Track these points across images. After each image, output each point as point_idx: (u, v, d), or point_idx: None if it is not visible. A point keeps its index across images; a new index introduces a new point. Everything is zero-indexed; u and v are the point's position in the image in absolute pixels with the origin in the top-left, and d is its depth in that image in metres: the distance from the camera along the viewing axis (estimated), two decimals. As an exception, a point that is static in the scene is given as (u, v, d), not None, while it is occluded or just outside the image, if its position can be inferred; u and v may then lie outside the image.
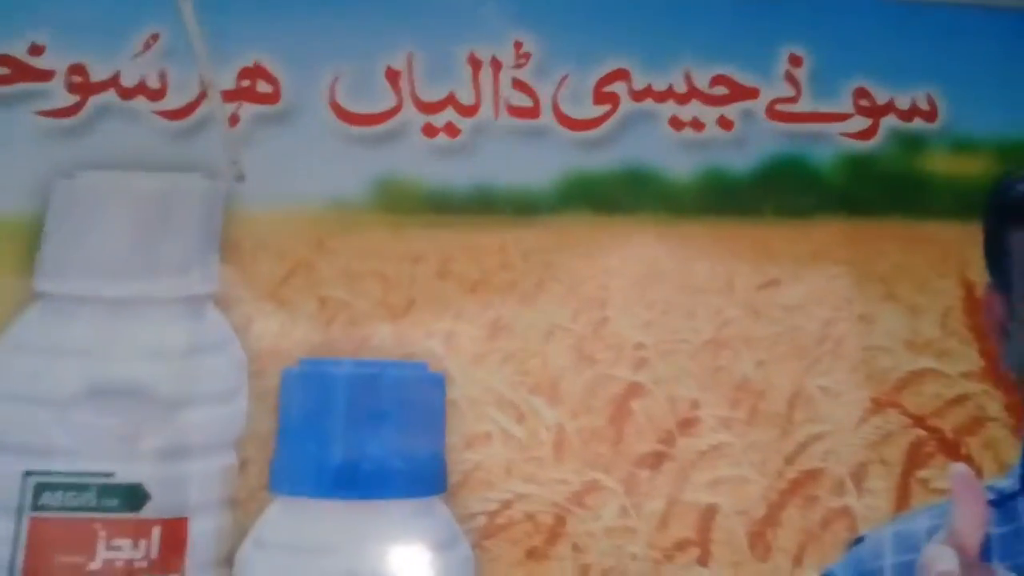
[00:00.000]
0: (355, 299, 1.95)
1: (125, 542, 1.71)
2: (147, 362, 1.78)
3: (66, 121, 2.02)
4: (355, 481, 1.81)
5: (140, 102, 2.02)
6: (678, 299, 2.02)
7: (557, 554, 1.82)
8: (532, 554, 1.83)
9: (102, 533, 1.70)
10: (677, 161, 2.11)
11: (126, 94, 2.03)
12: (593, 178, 2.12)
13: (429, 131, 2.06)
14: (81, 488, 1.72)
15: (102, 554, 1.70)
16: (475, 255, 2.00)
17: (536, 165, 2.09)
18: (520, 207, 2.07)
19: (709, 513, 1.89)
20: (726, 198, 2.14)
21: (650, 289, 2.04)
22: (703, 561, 1.88)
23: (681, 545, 1.88)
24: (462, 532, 1.80)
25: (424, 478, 1.85)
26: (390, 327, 1.94)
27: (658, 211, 2.10)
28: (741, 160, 2.13)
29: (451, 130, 2.06)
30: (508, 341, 1.95)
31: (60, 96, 2.01)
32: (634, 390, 1.95)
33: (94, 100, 2.02)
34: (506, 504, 1.86)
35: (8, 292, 1.82)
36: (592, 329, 1.98)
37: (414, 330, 1.94)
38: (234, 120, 1.98)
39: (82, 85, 2.04)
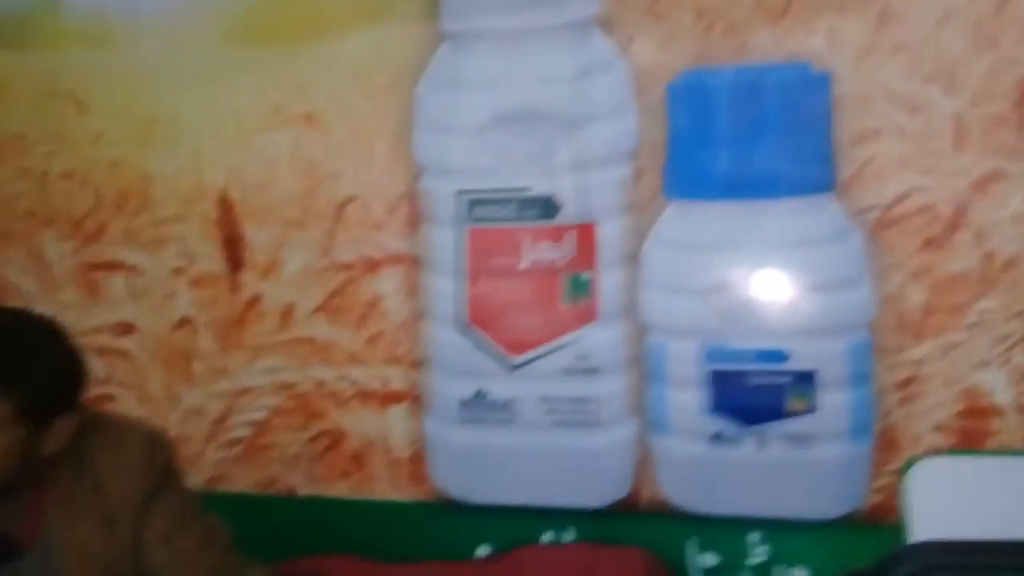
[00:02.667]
0: (731, 7, 1.89)
1: (545, 245, 1.93)
2: (544, 87, 1.92)
3: None
4: (743, 183, 1.86)
5: None
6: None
7: (957, 242, 1.76)
8: (930, 243, 1.78)
9: (526, 239, 1.94)
10: None
11: None
12: None
13: None
14: (504, 202, 1.95)
15: (528, 256, 1.94)
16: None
17: None
18: None
19: None
20: None
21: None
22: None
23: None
24: (854, 226, 1.80)
25: (811, 177, 1.85)
26: (769, 30, 1.88)
27: None
28: None
29: None
30: (898, 31, 1.81)
31: None
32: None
33: None
34: (901, 197, 1.80)
35: (418, 36, 2.02)
36: (994, 8, 1.76)
37: (794, 30, 1.86)
38: None
39: None
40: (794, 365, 1.81)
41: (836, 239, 1.82)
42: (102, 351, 2.22)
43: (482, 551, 2.00)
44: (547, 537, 1.98)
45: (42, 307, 2.00)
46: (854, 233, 1.80)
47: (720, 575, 1.89)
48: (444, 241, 1.99)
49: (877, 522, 1.79)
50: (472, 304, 1.99)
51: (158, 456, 1.33)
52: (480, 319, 1.99)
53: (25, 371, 1.18)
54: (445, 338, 2.01)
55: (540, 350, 1.95)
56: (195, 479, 2.22)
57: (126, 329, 2.22)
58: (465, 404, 2.00)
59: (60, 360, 1.24)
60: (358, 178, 2.07)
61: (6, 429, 1.17)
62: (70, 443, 1.26)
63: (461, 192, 1.97)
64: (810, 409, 1.81)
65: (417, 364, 2.05)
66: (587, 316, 1.93)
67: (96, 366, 2.30)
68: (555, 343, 1.94)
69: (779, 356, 1.82)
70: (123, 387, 2.21)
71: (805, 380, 1.81)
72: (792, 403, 1.82)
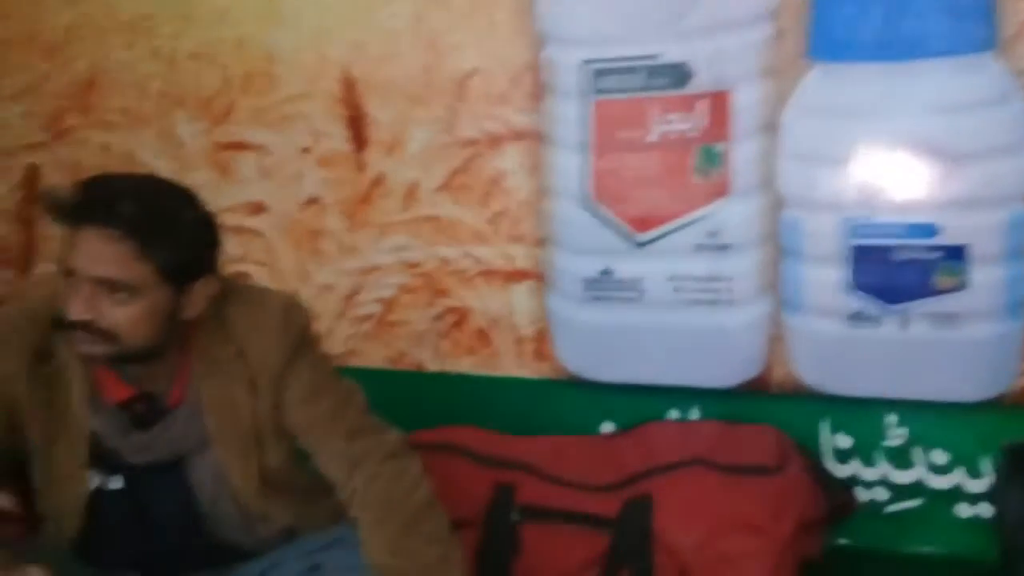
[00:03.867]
0: None
1: (675, 116, 1.84)
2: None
3: None
4: (894, 42, 1.70)
5: None
6: None
7: None
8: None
9: (655, 109, 1.85)
10: None
11: None
12: None
13: None
14: (632, 71, 1.85)
15: (657, 128, 1.85)
16: None
17: None
18: None
19: None
20: None
21: None
22: None
23: None
24: (1015, 88, 1.64)
25: (969, 34, 1.68)
26: None
27: None
28: None
29: None
30: None
31: None
32: None
33: None
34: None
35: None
36: None
37: None
38: None
39: None
40: (944, 239, 1.69)
41: (995, 102, 1.66)
42: (236, 230, 2.26)
43: (606, 428, 1.99)
44: (672, 416, 1.96)
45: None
46: (1015, 96, 1.64)
47: (854, 456, 1.84)
48: (568, 114, 1.91)
49: (1026, 405, 1.70)
50: (597, 179, 1.92)
51: (295, 321, 1.34)
52: (606, 195, 1.92)
53: (166, 233, 1.19)
54: (570, 215, 1.95)
55: (669, 226, 1.88)
56: (330, 356, 2.33)
57: (257, 208, 2.26)
58: (590, 283, 1.95)
59: (197, 223, 1.25)
60: (480, 49, 2.00)
61: (151, 290, 1.19)
62: (212, 309, 1.29)
63: (586, 62, 1.88)
64: (960, 286, 1.69)
65: (541, 242, 2.01)
66: (719, 190, 1.83)
67: (230, 245, 2.37)
68: (685, 219, 1.86)
69: (928, 230, 1.70)
70: (257, 264, 2.25)
71: (956, 255, 1.68)
72: (941, 280, 1.70)
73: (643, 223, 1.90)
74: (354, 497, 1.26)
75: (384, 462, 1.27)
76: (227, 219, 2.22)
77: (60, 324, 1.19)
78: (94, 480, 1.30)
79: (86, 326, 1.18)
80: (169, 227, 1.20)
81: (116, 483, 1.31)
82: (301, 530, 1.36)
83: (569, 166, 1.93)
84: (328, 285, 2.21)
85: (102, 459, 1.30)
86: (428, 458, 1.34)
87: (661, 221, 1.89)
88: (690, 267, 1.88)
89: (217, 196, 2.24)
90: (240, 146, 2.23)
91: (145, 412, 1.29)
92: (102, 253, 1.16)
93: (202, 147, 2.25)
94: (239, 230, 2.26)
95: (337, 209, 2.19)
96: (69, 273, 1.17)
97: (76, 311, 1.17)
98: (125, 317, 1.18)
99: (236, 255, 2.23)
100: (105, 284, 1.17)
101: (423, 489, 1.26)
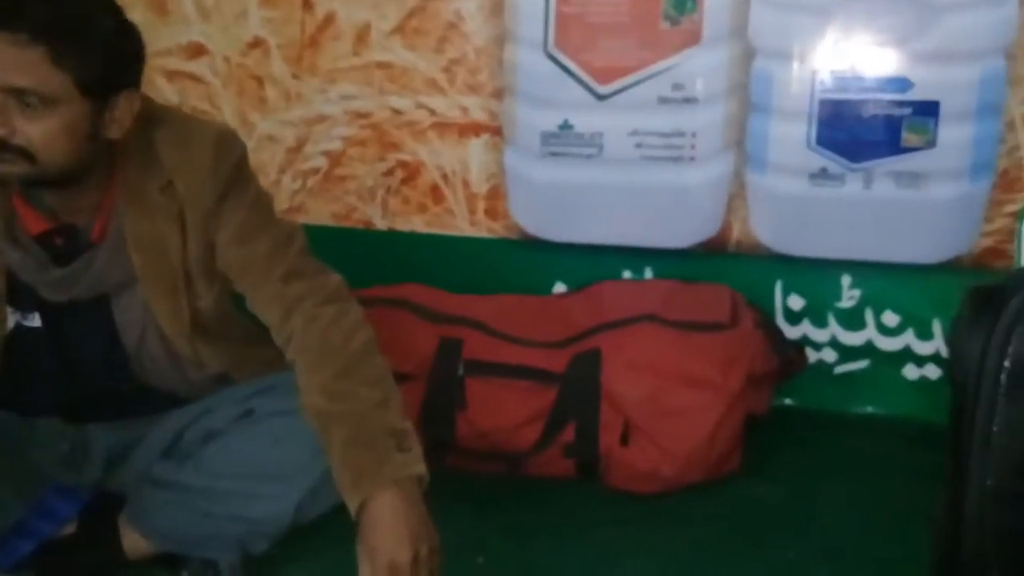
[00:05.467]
0: None
1: (645, -44, 1.69)
2: None
3: None
4: None
5: None
6: None
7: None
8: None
9: (623, -51, 1.71)
10: None
11: None
12: None
13: None
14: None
15: (624, -31, 1.72)
16: None
17: None
18: None
19: None
20: None
21: None
22: None
23: None
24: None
25: None
26: None
27: None
28: None
29: None
30: None
31: None
32: None
33: None
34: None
35: None
36: None
37: None
38: None
39: None
40: (916, 95, 1.62)
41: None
42: (173, 75, 2.12)
43: (559, 289, 1.93)
44: (626, 276, 1.90)
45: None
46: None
47: (806, 317, 1.80)
48: (531, -47, 1.78)
49: (982, 268, 1.66)
50: (560, 26, 1.79)
51: (228, 154, 1.22)
52: (568, 43, 1.80)
53: (82, 38, 1.07)
54: (529, 64, 1.83)
55: (633, 77, 1.77)
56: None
57: (197, 51, 2.10)
58: (548, 136, 1.85)
59: (117, 29, 1.12)
60: None
61: (67, 103, 1.08)
62: (138, 137, 1.18)
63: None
64: (928, 144, 1.63)
65: (499, 93, 1.90)
66: (689, 39, 1.73)
67: (167, 91, 2.23)
68: (650, 69, 1.76)
69: (901, 84, 1.62)
70: (196, 113, 2.11)
71: (926, 111, 1.62)
72: (908, 137, 1.64)
73: (606, 73, 1.79)
74: (290, 341, 1.18)
75: (323, 305, 1.18)
76: (164, 63, 2.13)
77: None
78: (12, 318, 1.21)
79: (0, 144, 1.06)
80: (85, 31, 1.08)
81: (34, 321, 1.22)
82: (236, 377, 1.29)
83: (530, 10, 1.80)
84: (272, 136, 2.07)
85: (19, 296, 1.21)
86: (373, 313, 1.26)
87: (625, 72, 1.78)
88: (653, 122, 1.78)
89: (154, 38, 2.09)
90: (178, -19, 2.06)
91: (65, 246, 1.19)
92: (11, 60, 1.05)
93: (136, -19, 2.08)
94: (177, 75, 2.11)
95: (282, 53, 2.04)
96: None
97: None
98: (41, 132, 1.08)
99: (174, 102, 2.10)
100: (16, 94, 1.06)
101: (362, 334, 1.17)
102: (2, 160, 1.08)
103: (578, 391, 1.53)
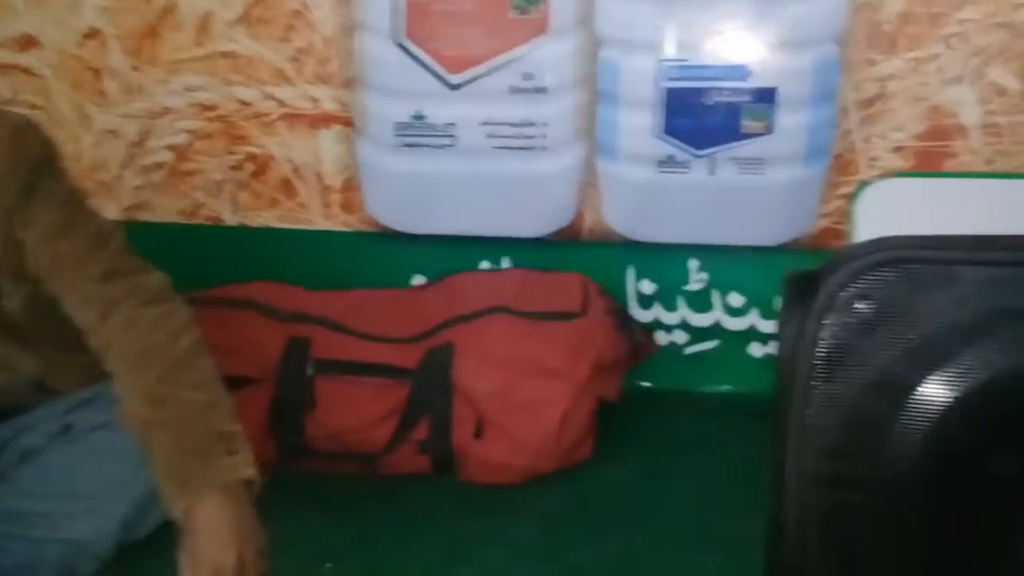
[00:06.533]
0: None
1: (488, -56, 1.68)
2: None
3: None
4: None
5: None
6: None
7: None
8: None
9: (466, -63, 1.68)
10: None
11: None
12: None
13: None
14: None
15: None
16: None
17: None
18: None
19: None
20: None
21: None
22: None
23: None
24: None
25: None
26: None
27: None
28: None
29: None
30: None
31: None
32: None
33: None
34: None
35: None
36: None
37: None
38: None
39: None
40: (754, 82, 1.66)
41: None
42: (3, 68, 1.99)
43: (417, 282, 1.90)
44: (484, 267, 1.89)
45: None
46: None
47: (657, 301, 1.83)
48: (377, -59, 1.74)
49: (820, 247, 1.71)
50: (410, 15, 1.76)
51: (28, 147, 1.15)
52: (419, 32, 1.76)
53: None
54: (380, 54, 1.79)
55: (483, 67, 1.76)
56: (113, 207, 2.07)
57: (28, 43, 1.97)
58: (401, 127, 1.82)
59: None
60: None
61: None
62: None
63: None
64: (766, 130, 1.67)
65: (349, 83, 1.85)
66: (537, 28, 1.72)
67: (-2, 85, 2.11)
68: (500, 59, 1.74)
69: (740, 72, 1.65)
70: (29, 108, 1.98)
71: (764, 98, 1.65)
72: (748, 124, 1.67)
73: (457, 63, 1.77)
74: (109, 345, 1.11)
75: (144, 307, 1.12)
76: None
77: None
78: None
79: None
80: None
81: None
82: (52, 384, 1.22)
83: (378, -1, 1.77)
84: (112, 130, 1.97)
85: None
86: (219, 314, 1.21)
87: (476, 61, 1.76)
88: (504, 111, 1.77)
89: (-21, 29, 1.98)
90: (2, -32, 1.93)
91: None
92: None
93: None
94: (8, 68, 1.98)
95: (120, 44, 1.94)
96: None
97: None
98: None
99: (5, 97, 1.97)
100: None
101: (189, 335, 1.12)
102: None
103: (430, 386, 1.51)
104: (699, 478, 1.51)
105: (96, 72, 1.97)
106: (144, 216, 1.98)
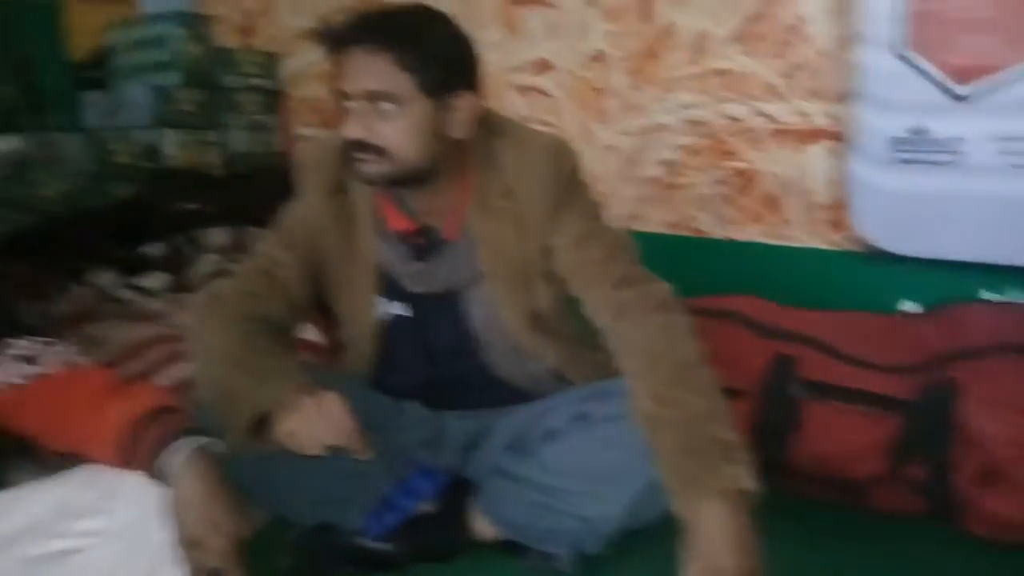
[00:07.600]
0: None
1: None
2: None
3: None
4: None
5: None
6: None
7: None
8: None
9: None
10: None
11: None
12: None
13: None
14: None
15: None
16: None
17: None
18: None
19: None
20: None
21: None
22: None
23: None
24: None
25: None
26: None
27: None
28: None
29: None
30: None
31: None
32: None
33: None
34: None
35: None
36: None
37: None
38: None
39: None
40: None
41: None
42: (522, 90, 2.26)
43: (906, 307, 1.80)
44: (984, 296, 1.73)
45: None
46: None
47: None
48: (880, -52, 1.68)
49: None
50: (914, 22, 1.68)
51: (563, 164, 1.30)
52: (924, 41, 1.68)
53: (419, 43, 1.20)
54: (878, 65, 1.73)
55: (999, 77, 1.63)
56: (610, 217, 2.29)
57: (543, 66, 2.23)
58: (898, 143, 1.74)
59: (449, 36, 1.24)
60: None
61: (412, 102, 1.20)
62: (482, 145, 1.28)
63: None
64: None
65: (842, 97, 1.82)
66: (1067, 32, 1.55)
67: (518, 105, 2.39)
68: (1018, 68, 1.60)
69: None
70: (541, 125, 2.24)
71: None
72: None
73: (967, 73, 1.65)
74: (620, 346, 1.22)
75: (651, 312, 1.22)
76: (514, 79, 2.28)
77: (343, 149, 1.24)
78: (382, 307, 1.36)
79: (361, 145, 1.21)
80: (422, 38, 1.21)
81: (404, 310, 1.36)
82: (568, 375, 1.36)
83: (880, 8, 1.71)
84: (611, 146, 2.16)
85: (387, 287, 1.35)
86: (705, 325, 1.26)
87: (990, 71, 1.63)
88: (1021, 126, 1.62)
89: (506, 55, 2.28)
90: (528, 1, 2.20)
91: (424, 244, 1.32)
92: (364, 67, 1.20)
93: (493, 3, 2.24)
94: (526, 90, 2.26)
95: (622, 65, 2.11)
96: (341, 97, 1.22)
97: (351, 130, 1.21)
98: (393, 131, 1.21)
99: (523, 115, 2.25)
100: (371, 97, 1.20)
101: (691, 343, 1.19)
102: (364, 160, 1.23)
103: (930, 423, 1.41)
104: None
105: (599, 91, 2.17)
106: (636, 226, 2.12)
